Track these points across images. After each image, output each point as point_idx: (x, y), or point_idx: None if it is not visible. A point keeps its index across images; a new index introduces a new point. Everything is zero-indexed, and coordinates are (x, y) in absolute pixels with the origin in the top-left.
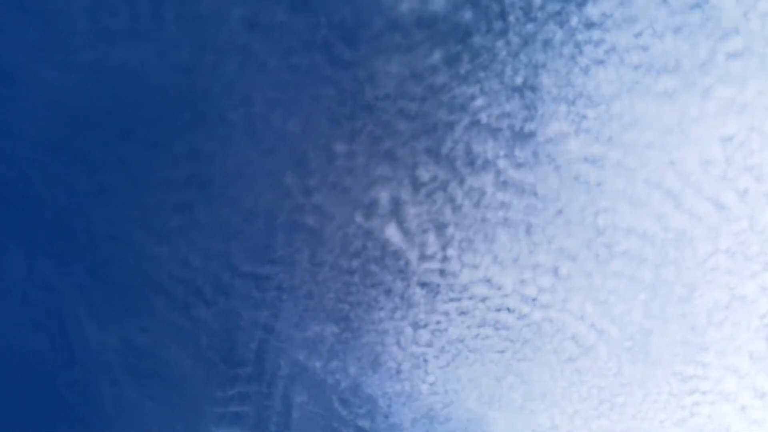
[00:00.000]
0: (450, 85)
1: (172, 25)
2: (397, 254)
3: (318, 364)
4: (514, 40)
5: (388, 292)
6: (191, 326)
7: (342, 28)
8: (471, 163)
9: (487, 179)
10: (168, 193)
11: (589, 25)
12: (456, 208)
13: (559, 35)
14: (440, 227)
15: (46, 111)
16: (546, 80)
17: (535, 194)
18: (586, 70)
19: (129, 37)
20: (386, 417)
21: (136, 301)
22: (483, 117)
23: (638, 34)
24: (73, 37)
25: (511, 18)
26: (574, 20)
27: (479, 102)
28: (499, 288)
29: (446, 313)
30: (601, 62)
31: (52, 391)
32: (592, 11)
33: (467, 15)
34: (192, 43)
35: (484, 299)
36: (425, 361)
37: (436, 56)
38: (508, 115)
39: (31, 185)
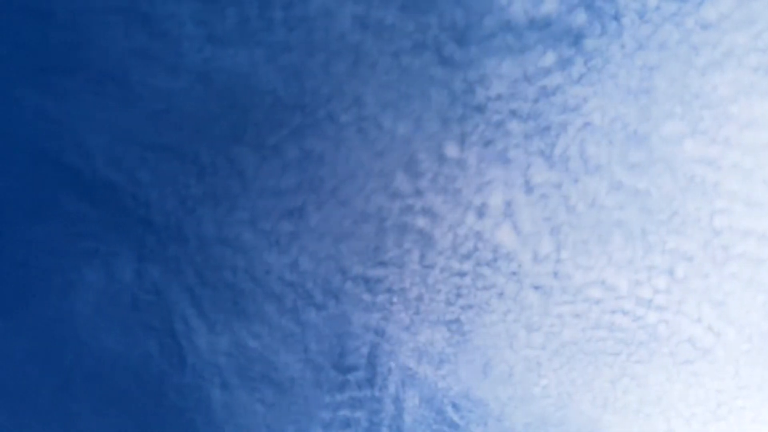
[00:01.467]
0: (563, 86)
1: (281, 27)
2: (509, 256)
3: (429, 368)
4: (629, 42)
5: (501, 294)
6: (300, 330)
7: (453, 29)
8: (584, 164)
9: (600, 181)
10: (278, 196)
11: (706, 26)
12: (569, 210)
13: (675, 37)
14: (554, 229)
15: (156, 115)
16: (660, 82)
17: (650, 195)
18: (702, 72)
19: (238, 41)
20: (499, 421)
21: (245, 305)
22: (596, 118)
23: (757, 36)
24: (182, 41)
25: (626, 20)
26: (690, 22)
27: (593, 103)
28: (614, 290)
29: (560, 316)
30: (718, 64)
31: (162, 395)
32: (708, 12)
33: (581, 17)
34: (302, 45)
35: (598, 301)
36: (538, 364)
37: (549, 58)
38: (621, 116)
39: (141, 189)
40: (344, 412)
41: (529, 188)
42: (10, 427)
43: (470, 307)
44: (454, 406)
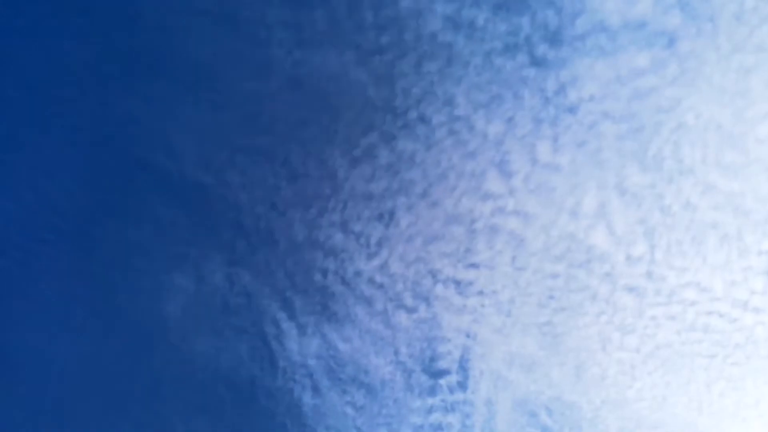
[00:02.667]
0: (657, 88)
1: (372, 28)
2: (602, 258)
3: (521, 371)
4: (724, 44)
5: (593, 296)
6: (391, 333)
7: (545, 30)
8: (678, 165)
9: (695, 182)
10: (369, 198)
11: None
12: (663, 211)
13: None
14: (647, 230)
15: (246, 118)
16: (756, 84)
17: (745, 196)
18: None
19: (328, 43)
20: (592, 424)
21: (335, 308)
22: (690, 119)
23: None
24: (271, 44)
25: (722, 21)
26: None
27: (687, 105)
28: (709, 292)
29: (654, 318)
30: None
31: (253, 399)
32: None
33: (676, 18)
34: (392, 46)
35: (693, 303)
36: (632, 366)
37: (643, 59)
38: (716, 118)
39: (231, 192)
40: (436, 416)
41: (622, 189)
42: (100, 431)
43: (562, 309)
44: (547, 409)
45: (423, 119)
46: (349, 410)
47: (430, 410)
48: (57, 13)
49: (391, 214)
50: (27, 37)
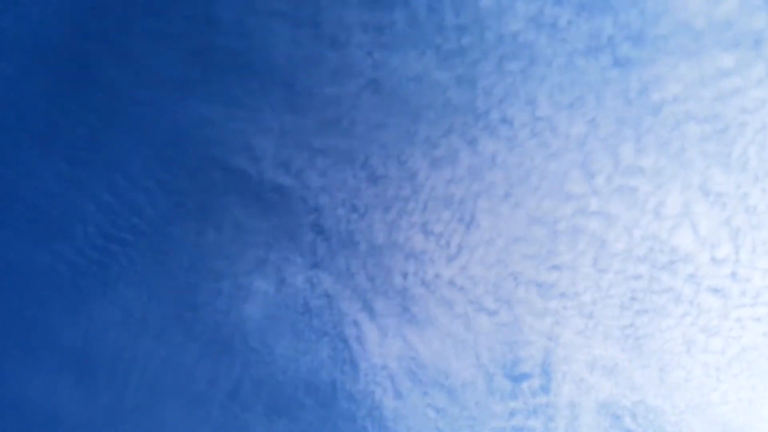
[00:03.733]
0: (741, 89)
1: (452, 29)
2: (686, 259)
3: (604, 374)
4: None
5: (677, 298)
6: (472, 337)
7: (628, 29)
8: (763, 165)
9: None
10: (450, 200)
11: None
12: (749, 211)
13: None
14: (732, 231)
15: (325, 119)
16: None
17: None
18: None
19: (408, 45)
20: (676, 428)
21: (416, 311)
22: None
23: None
24: (350, 47)
25: None
26: None
27: None
28: None
29: (739, 320)
30: None
31: (334, 401)
32: None
33: (762, 19)
34: (473, 46)
35: None
36: (717, 369)
37: (728, 60)
38: None
39: (311, 194)
40: (518, 420)
41: (706, 190)
42: None
43: (645, 311)
44: (631, 413)
45: (505, 120)
46: (431, 413)
47: (511, 414)
48: (137, 17)
49: (472, 215)
50: (106, 41)
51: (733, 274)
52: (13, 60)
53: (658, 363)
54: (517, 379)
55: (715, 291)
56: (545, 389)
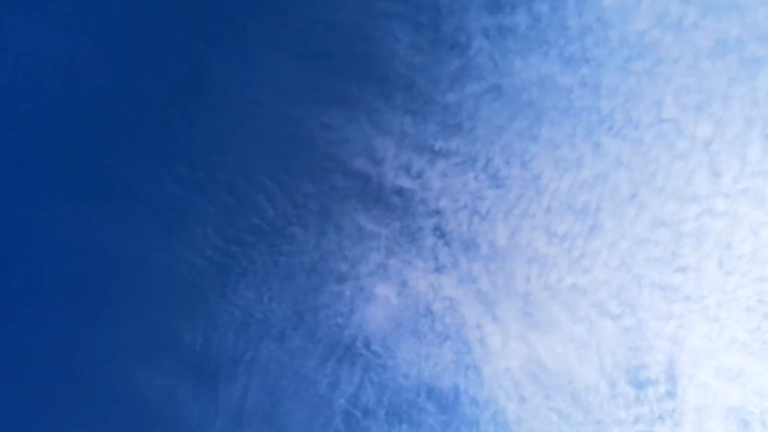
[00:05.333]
0: None
1: (576, 30)
2: None
3: (731, 378)
4: None
5: None
6: (595, 341)
7: (756, 29)
8: None
9: None
10: (573, 201)
11: None
12: None
13: None
14: None
15: (446, 121)
16: None
17: None
18: None
19: (530, 48)
20: None
21: (539, 314)
22: None
23: None
24: (471, 50)
25: None
26: None
27: None
28: None
29: None
30: None
31: (456, 405)
32: None
33: None
34: (597, 45)
35: None
36: None
37: None
38: None
39: (433, 197)
40: (642, 426)
41: None
42: None
43: None
44: (759, 419)
45: (630, 121)
46: (554, 417)
47: (636, 420)
48: (256, 21)
49: (596, 218)
50: (223, 44)
51: None
52: (134, 63)
53: None
54: (642, 384)
55: None
56: (671, 395)
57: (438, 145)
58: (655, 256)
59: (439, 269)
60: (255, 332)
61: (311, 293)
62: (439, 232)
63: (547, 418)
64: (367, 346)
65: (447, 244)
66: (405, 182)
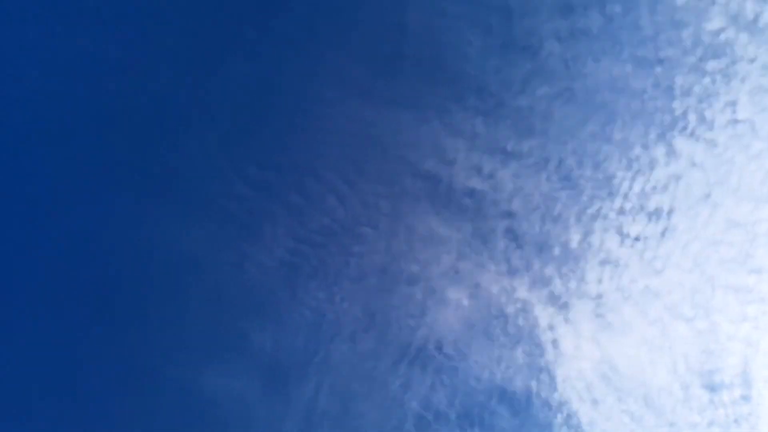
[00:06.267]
0: None
1: (649, 30)
2: None
3: None
4: None
5: None
6: (668, 344)
7: None
8: None
9: None
10: (645, 202)
11: None
12: None
13: None
14: None
15: (518, 124)
16: None
17: None
18: None
19: (603, 50)
20: None
21: (611, 317)
22: None
23: None
24: (543, 53)
25: None
26: None
27: None
28: None
29: None
30: None
31: (529, 407)
32: None
33: None
34: (671, 45)
35: None
36: None
37: None
38: None
39: (505, 199)
40: (717, 430)
41: None
42: None
43: None
44: None
45: (703, 121)
46: (626, 420)
47: (711, 423)
48: (326, 23)
49: (669, 218)
50: (298, 50)
51: None
52: (204, 66)
53: None
54: (716, 387)
55: None
56: (746, 398)
57: (510, 146)
58: (728, 258)
59: (511, 272)
60: (326, 333)
61: (382, 294)
62: (512, 234)
63: (620, 420)
64: (439, 348)
65: (519, 246)
66: (476, 183)
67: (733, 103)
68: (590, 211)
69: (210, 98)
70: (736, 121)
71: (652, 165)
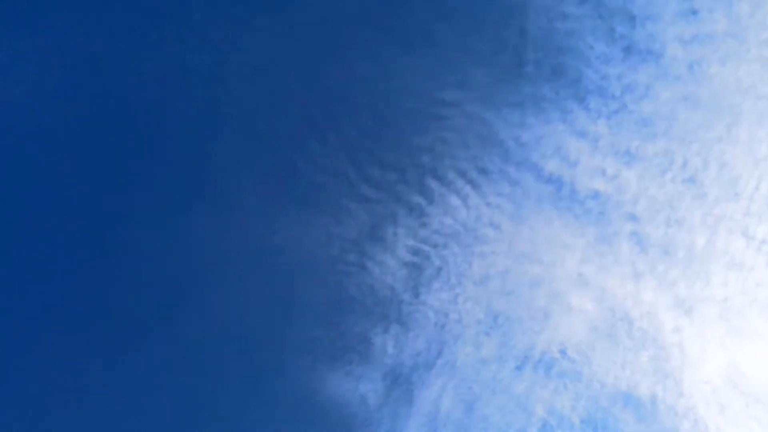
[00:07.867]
0: None
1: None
2: None
3: None
4: None
5: None
6: None
7: None
8: None
9: None
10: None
11: None
12: None
13: None
14: None
15: (639, 123)
16: None
17: None
18: None
19: (727, 52)
20: None
21: (738, 321)
22: None
23: None
24: (665, 59)
25: None
26: None
27: None
28: None
29: None
30: None
31: (655, 416)
32: None
33: None
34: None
35: None
36: None
37: None
38: None
39: (629, 200)
40: None
41: None
42: None
43: None
44: None
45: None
46: (755, 427)
47: None
48: (447, 28)
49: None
50: (419, 53)
51: None
52: (325, 66)
53: None
54: None
55: None
56: None
57: (633, 147)
58: None
59: (636, 275)
60: (449, 334)
61: (505, 296)
62: (636, 238)
63: (748, 426)
64: (563, 352)
65: (643, 250)
66: (600, 185)
67: None
68: (715, 212)
69: (332, 100)
70: None
71: None
